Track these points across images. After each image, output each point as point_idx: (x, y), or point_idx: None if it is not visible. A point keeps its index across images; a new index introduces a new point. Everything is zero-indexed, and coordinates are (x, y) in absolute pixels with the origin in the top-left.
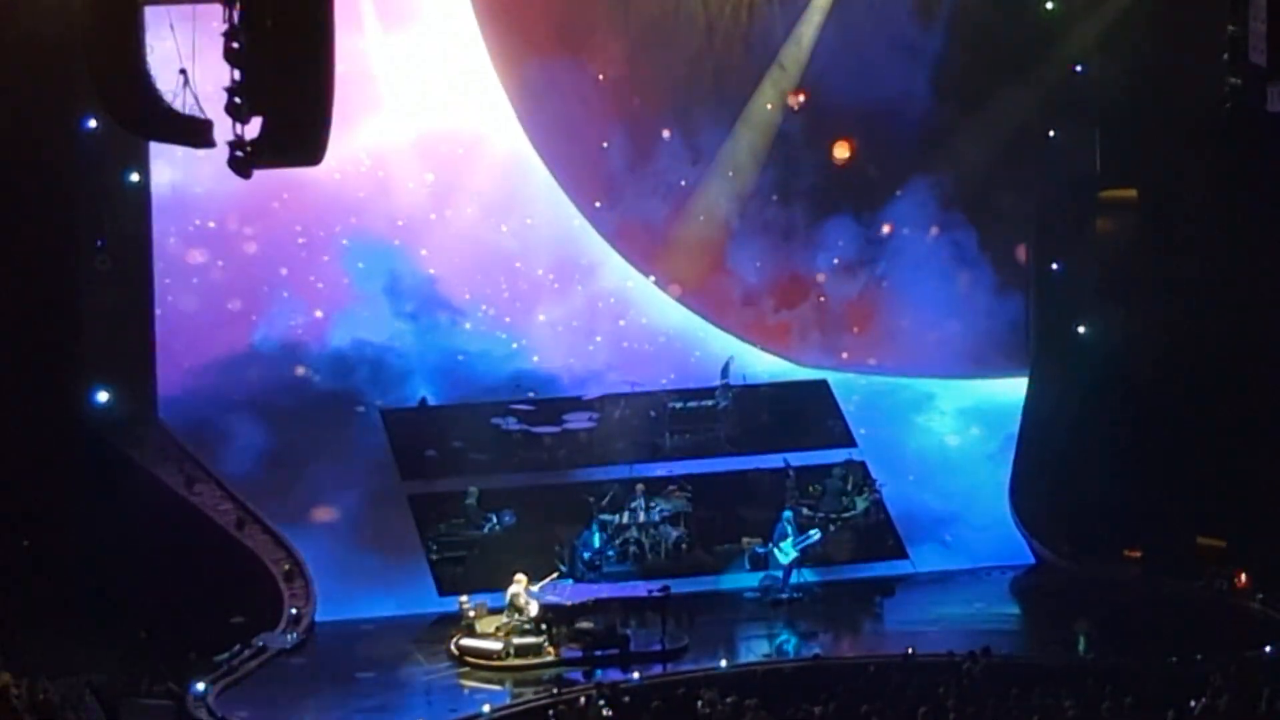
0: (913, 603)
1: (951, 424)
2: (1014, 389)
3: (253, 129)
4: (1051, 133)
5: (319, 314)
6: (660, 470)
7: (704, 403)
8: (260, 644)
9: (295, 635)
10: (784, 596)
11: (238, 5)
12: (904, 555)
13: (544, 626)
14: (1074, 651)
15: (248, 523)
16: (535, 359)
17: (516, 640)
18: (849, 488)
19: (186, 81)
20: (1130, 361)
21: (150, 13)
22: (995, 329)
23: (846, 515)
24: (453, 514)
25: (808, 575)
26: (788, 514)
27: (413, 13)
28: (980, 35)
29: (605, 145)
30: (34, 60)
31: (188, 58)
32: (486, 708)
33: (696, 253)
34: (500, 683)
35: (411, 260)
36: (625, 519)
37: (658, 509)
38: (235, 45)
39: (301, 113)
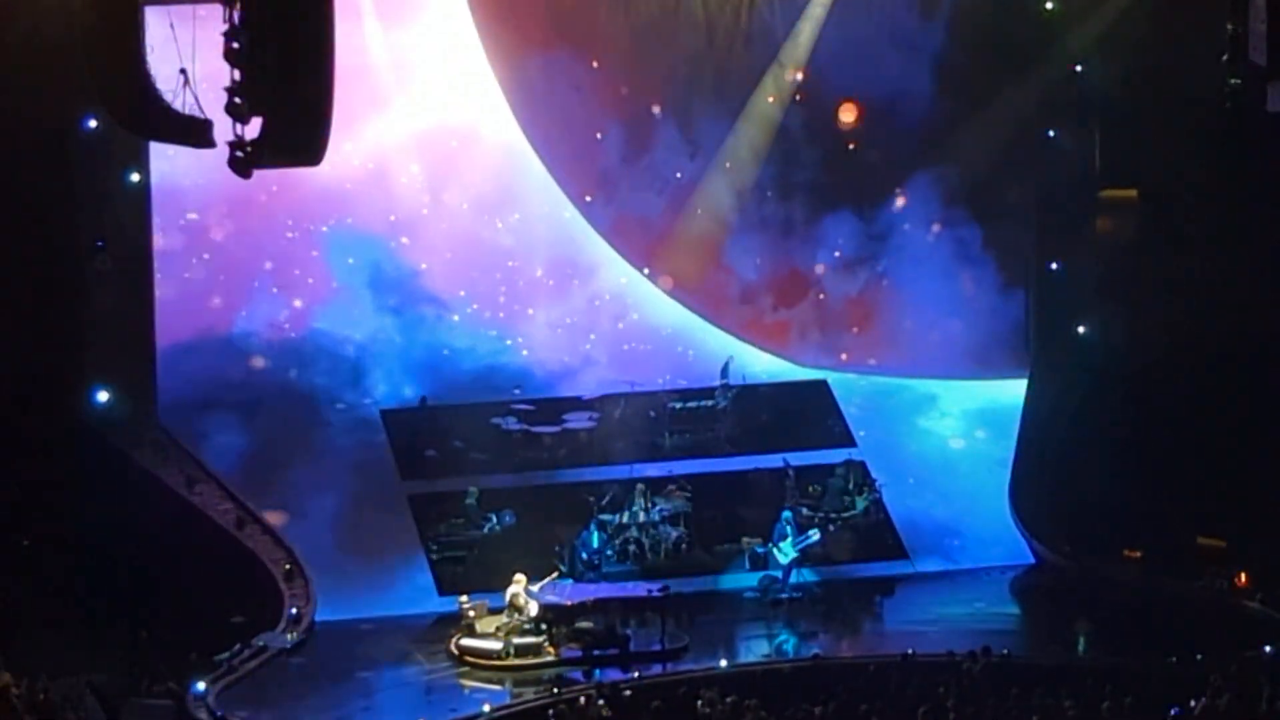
0: (913, 602)
1: (954, 426)
2: (1018, 390)
3: (253, 129)
4: (1051, 132)
5: (298, 303)
6: (660, 470)
7: (704, 403)
8: (260, 644)
9: (295, 635)
10: (784, 596)
11: (238, 5)
12: (904, 555)
13: (544, 626)
14: (1074, 651)
15: (248, 522)
16: (524, 353)
17: (516, 640)
18: (850, 486)
19: (187, 81)
20: (1130, 361)
21: (150, 12)
22: (1000, 328)
23: (846, 515)
24: (453, 514)
25: (807, 575)
26: (787, 514)
27: (409, 6)
28: (980, 34)
29: (600, 136)
30: (34, 60)
31: (188, 58)
32: (486, 707)
33: (693, 249)
34: (500, 682)
35: (402, 255)
36: (625, 519)
37: (658, 509)
38: (235, 45)
39: (301, 113)
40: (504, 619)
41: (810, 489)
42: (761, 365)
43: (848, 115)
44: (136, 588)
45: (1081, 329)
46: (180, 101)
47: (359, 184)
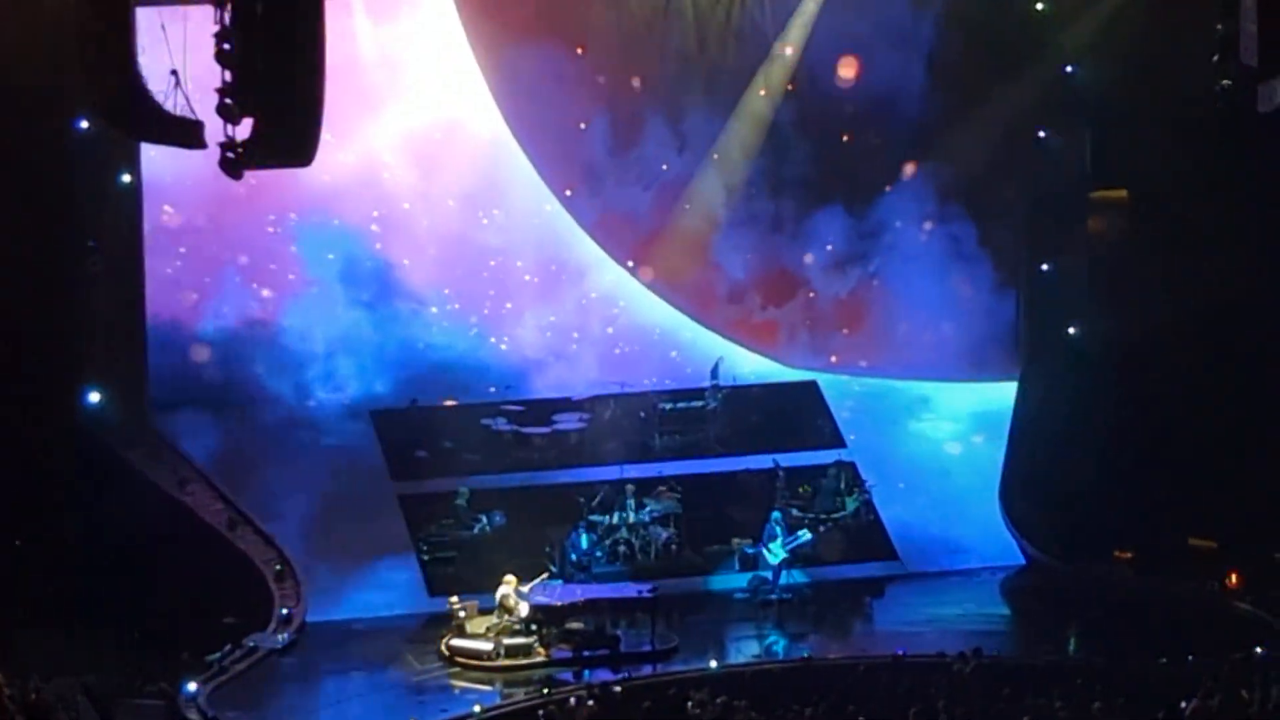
0: (903, 603)
1: (946, 429)
2: (1011, 392)
3: (244, 130)
4: (1042, 133)
5: (266, 293)
6: (650, 471)
7: (694, 404)
8: (251, 644)
9: (286, 635)
10: (774, 597)
11: (229, 6)
12: (894, 556)
13: (534, 627)
14: (1065, 652)
15: (239, 523)
16: (504, 348)
17: (507, 641)
18: (841, 487)
19: (178, 82)
20: (1121, 362)
21: (141, 13)
22: (994, 329)
23: (836, 516)
24: (443, 515)
25: (797, 576)
26: (776, 515)
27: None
28: (971, 34)
29: (583, 126)
30: (26, 61)
31: (179, 59)
32: (477, 708)
33: (681, 245)
34: (490, 683)
35: (382, 250)
36: (615, 520)
37: (648, 510)
38: (226, 47)
39: (292, 114)
40: (494, 620)
41: (801, 490)
42: (750, 366)
43: (847, 70)
44: (128, 588)
45: (1072, 330)
46: (171, 102)
47: (341, 178)
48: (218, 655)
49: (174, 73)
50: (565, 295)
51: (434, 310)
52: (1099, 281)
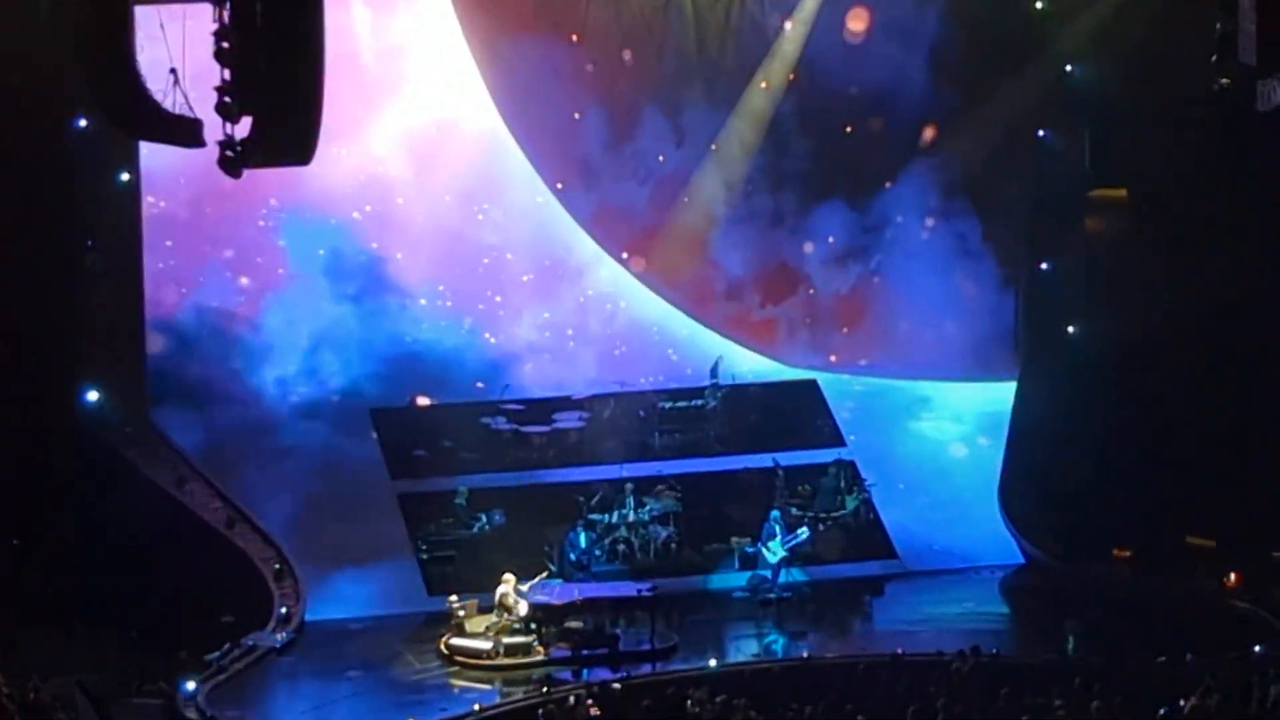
0: (902, 602)
1: (947, 428)
2: (1011, 392)
3: (243, 128)
4: (1041, 132)
5: (247, 281)
6: (650, 470)
7: (693, 402)
8: (250, 643)
9: (285, 634)
10: (773, 596)
11: (228, 5)
12: (894, 555)
13: (533, 626)
14: (1064, 651)
15: (238, 521)
16: (492, 341)
17: (506, 640)
18: (841, 486)
19: (177, 81)
20: (1120, 361)
21: (140, 12)
22: (996, 328)
23: (836, 515)
24: (442, 513)
25: (796, 575)
26: (775, 513)
27: None
28: (973, 31)
29: (578, 116)
30: (25, 60)
31: (178, 57)
32: (476, 707)
33: (678, 240)
34: (489, 682)
35: (374, 244)
36: (614, 518)
37: (647, 508)
38: (225, 45)
39: (291, 112)
40: (493, 618)
41: (801, 488)
42: (749, 365)
43: (857, 23)
44: (127, 587)
45: (1071, 329)
46: (170, 101)
47: (337, 174)
48: (216, 654)
49: (173, 71)
50: (563, 293)
51: (423, 302)
52: (1099, 281)
